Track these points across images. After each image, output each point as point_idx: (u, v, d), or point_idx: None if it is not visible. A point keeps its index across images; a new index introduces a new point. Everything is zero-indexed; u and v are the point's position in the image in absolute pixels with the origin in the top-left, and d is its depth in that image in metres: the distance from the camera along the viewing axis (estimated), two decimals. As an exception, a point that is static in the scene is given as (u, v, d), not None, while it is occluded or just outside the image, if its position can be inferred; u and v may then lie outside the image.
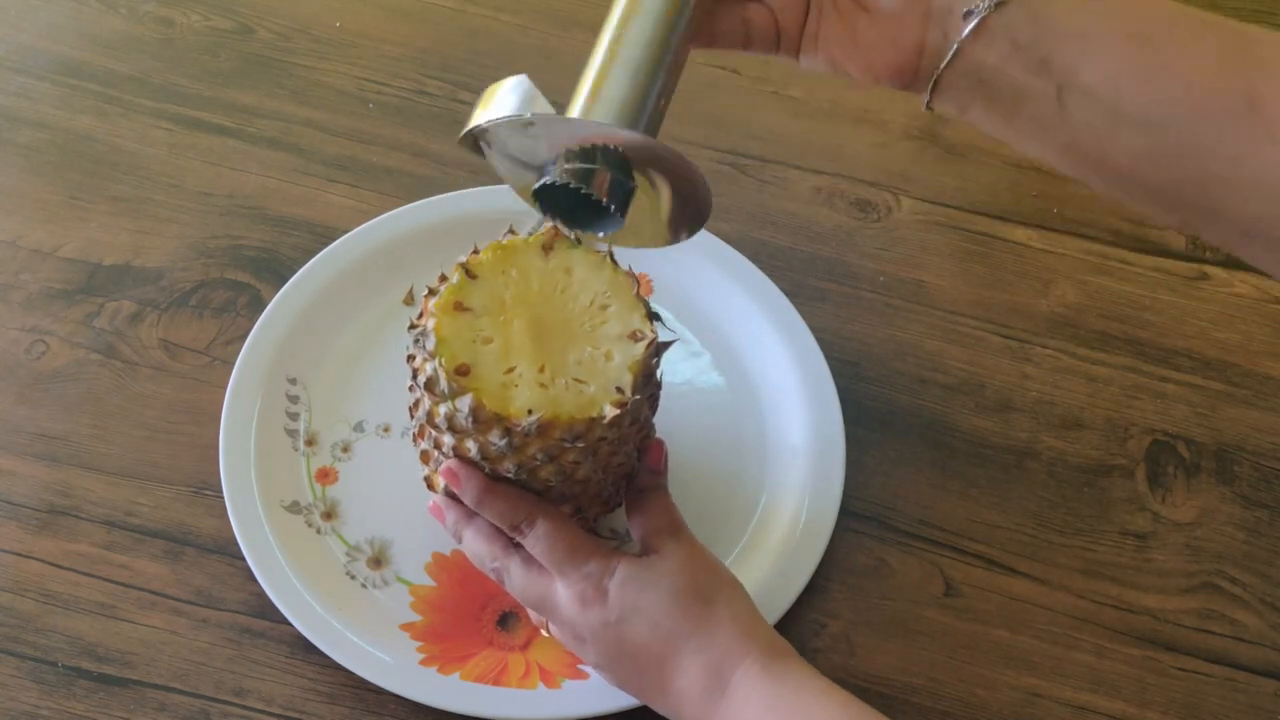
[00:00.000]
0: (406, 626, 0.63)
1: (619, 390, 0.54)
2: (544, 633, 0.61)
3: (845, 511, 0.68)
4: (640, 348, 0.55)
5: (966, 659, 0.65)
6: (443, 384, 0.54)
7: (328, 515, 0.67)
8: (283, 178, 0.80)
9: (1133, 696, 0.64)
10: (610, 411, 0.54)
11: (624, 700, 0.60)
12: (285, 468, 0.67)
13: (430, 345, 0.54)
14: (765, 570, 0.65)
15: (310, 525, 0.66)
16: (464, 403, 0.53)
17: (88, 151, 0.81)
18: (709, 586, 0.57)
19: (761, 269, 0.75)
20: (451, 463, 0.57)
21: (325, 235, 0.76)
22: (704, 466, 0.60)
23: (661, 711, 0.58)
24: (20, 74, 0.84)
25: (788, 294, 0.74)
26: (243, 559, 0.64)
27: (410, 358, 0.57)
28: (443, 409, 0.54)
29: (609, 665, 0.58)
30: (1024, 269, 0.80)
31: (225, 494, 0.65)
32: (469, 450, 0.55)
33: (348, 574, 0.65)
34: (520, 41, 0.88)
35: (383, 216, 0.76)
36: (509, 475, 0.56)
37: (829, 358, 0.72)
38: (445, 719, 0.61)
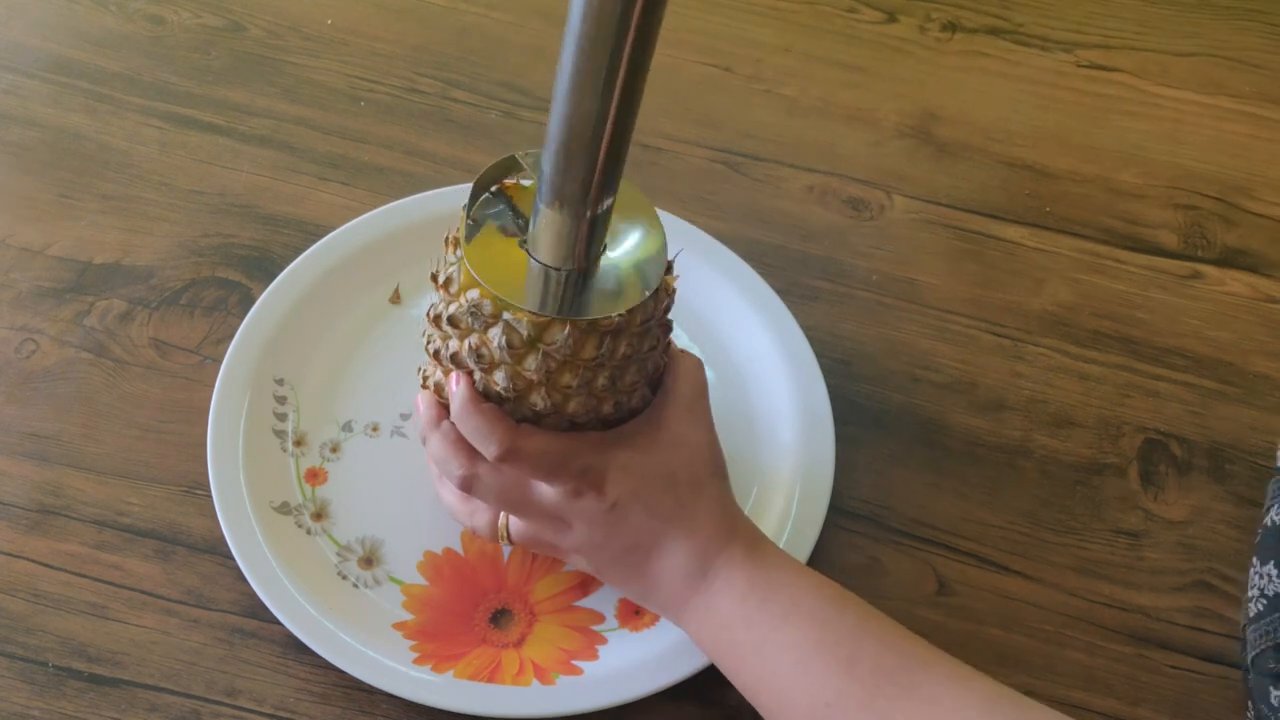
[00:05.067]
0: (399, 626, 0.63)
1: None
2: (502, 541, 0.61)
3: (838, 510, 0.68)
4: (658, 235, 0.56)
5: (959, 657, 0.65)
6: (524, 331, 0.53)
7: (318, 516, 0.66)
8: (274, 176, 0.80)
9: (1125, 695, 0.64)
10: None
11: (618, 695, 0.60)
12: (274, 469, 0.67)
13: (489, 309, 0.54)
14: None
15: (300, 526, 0.66)
16: (555, 333, 0.53)
17: (78, 149, 0.80)
18: (706, 473, 0.58)
19: (754, 267, 0.75)
20: (452, 379, 0.56)
21: (316, 234, 0.76)
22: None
23: (631, 592, 0.59)
24: (10, 71, 0.84)
25: (780, 292, 0.74)
26: (234, 559, 0.64)
27: (449, 357, 0.56)
28: (530, 361, 0.54)
29: (591, 548, 0.58)
30: (1017, 267, 0.80)
31: (214, 496, 0.65)
32: (568, 387, 0.55)
33: (339, 574, 0.65)
34: (512, 39, 0.88)
35: (367, 215, 0.75)
36: (604, 393, 0.55)
37: (822, 356, 0.72)
38: (438, 718, 0.61)
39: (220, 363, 0.69)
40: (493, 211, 0.55)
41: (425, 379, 0.60)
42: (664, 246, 0.56)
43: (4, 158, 0.80)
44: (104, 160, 0.80)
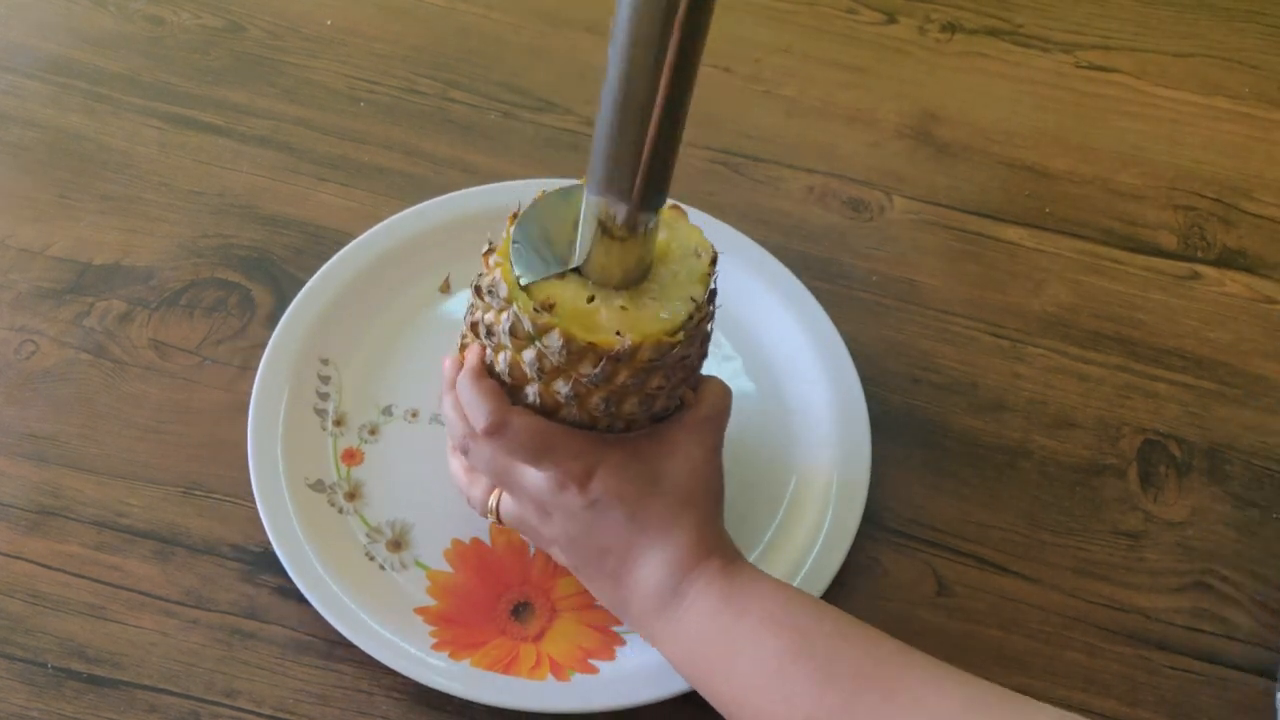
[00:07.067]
0: (421, 610, 0.63)
1: (693, 300, 0.54)
2: (490, 518, 0.61)
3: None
4: (705, 261, 0.55)
5: (959, 658, 0.64)
6: (527, 325, 0.53)
7: (351, 495, 0.67)
8: (273, 176, 0.80)
9: (1124, 695, 0.64)
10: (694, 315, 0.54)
11: (632, 697, 0.60)
12: (312, 446, 0.68)
13: (503, 293, 0.54)
14: (782, 573, 0.65)
15: (333, 505, 0.66)
16: (553, 338, 0.53)
17: (77, 150, 0.80)
18: (697, 490, 0.57)
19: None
20: (470, 354, 0.57)
21: (316, 234, 0.76)
22: (729, 470, 0.60)
23: (605, 599, 0.59)
24: (9, 72, 0.84)
25: (780, 293, 0.74)
26: (233, 560, 0.64)
27: (472, 326, 0.57)
28: (527, 354, 0.54)
29: (568, 543, 0.58)
30: (1016, 268, 0.80)
31: (250, 466, 0.65)
32: (558, 393, 0.55)
33: (367, 555, 0.65)
34: (511, 40, 0.88)
35: (430, 201, 0.76)
36: (599, 411, 0.55)
37: (821, 357, 0.72)
38: (437, 713, 0.61)
39: (220, 363, 0.70)
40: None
41: (463, 345, 0.61)
42: (689, 299, 0.55)
43: (4, 158, 0.80)
44: (103, 160, 0.80)
